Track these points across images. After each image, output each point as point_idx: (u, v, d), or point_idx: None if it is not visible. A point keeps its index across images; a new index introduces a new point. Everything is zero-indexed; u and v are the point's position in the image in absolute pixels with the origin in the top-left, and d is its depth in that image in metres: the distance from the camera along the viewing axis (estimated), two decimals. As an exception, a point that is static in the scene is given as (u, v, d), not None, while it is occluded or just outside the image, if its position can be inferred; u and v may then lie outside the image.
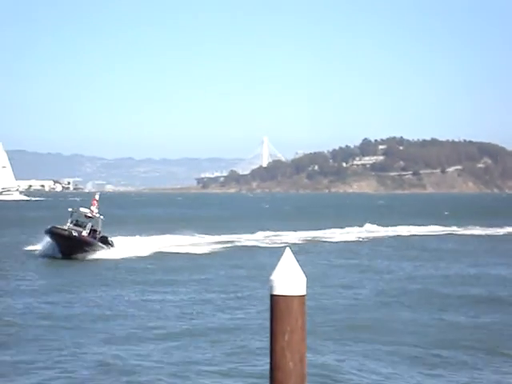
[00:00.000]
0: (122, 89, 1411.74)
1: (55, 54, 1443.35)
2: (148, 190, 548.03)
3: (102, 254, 49.57)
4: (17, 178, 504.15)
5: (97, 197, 53.76)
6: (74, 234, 48.84)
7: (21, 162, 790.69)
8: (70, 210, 52.94)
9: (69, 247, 48.68)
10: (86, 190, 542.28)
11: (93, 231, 50.54)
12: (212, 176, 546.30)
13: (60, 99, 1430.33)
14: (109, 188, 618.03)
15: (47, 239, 50.83)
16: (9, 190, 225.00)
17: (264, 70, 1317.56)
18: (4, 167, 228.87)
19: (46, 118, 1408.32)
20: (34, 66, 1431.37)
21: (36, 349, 22.03)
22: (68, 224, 50.71)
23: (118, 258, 48.62)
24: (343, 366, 20.78)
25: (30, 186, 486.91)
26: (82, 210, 52.18)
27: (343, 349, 22.82)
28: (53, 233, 49.21)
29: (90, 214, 51.41)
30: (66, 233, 48.79)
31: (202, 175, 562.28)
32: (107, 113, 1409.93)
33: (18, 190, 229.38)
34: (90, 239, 49.89)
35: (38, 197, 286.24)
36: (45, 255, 49.68)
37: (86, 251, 48.83)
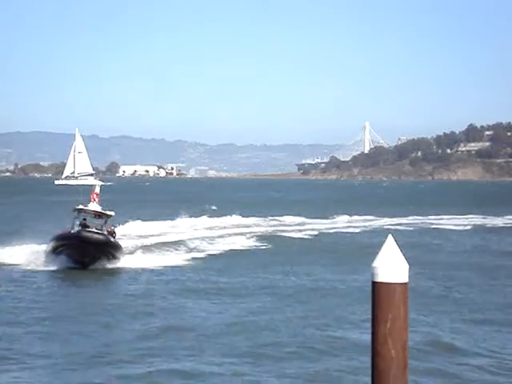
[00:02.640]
0: (224, 76, 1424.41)
1: (156, 42, 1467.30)
2: (249, 175, 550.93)
3: (126, 261, 39.45)
4: (122, 163, 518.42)
5: (97, 189, 42.19)
6: (110, 238, 39.25)
7: (126, 147, 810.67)
8: (77, 207, 41.34)
9: (95, 255, 38.10)
10: (189, 176, 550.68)
11: (110, 233, 40.42)
12: (313, 162, 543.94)
13: (163, 86, 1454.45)
14: (211, 174, 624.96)
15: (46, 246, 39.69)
16: (84, 175, 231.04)
17: (366, 55, 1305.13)
18: (80, 152, 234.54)
19: (150, 104, 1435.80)
20: (135, 55, 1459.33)
21: None
22: (76, 225, 40.06)
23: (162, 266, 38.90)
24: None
25: (135, 171, 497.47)
26: (92, 206, 41.10)
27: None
28: (83, 239, 37.56)
29: (107, 212, 41.35)
30: (103, 238, 38.44)
31: (303, 161, 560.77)
32: (209, 99, 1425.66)
33: (93, 174, 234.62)
34: (120, 243, 40.31)
35: (147, 181, 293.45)
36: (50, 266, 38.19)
37: (109, 258, 38.65)
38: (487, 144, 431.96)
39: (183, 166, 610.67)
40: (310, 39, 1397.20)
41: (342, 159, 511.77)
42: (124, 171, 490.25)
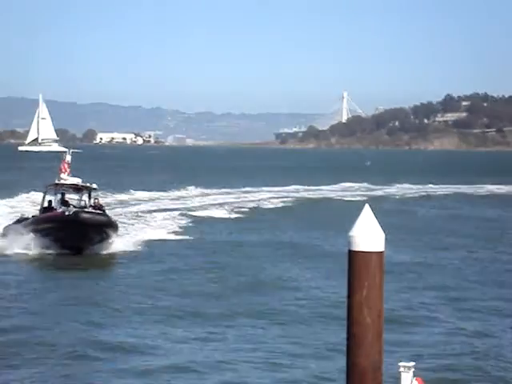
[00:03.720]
0: (202, 44, 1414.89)
1: (139, 8, 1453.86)
2: (227, 144, 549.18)
3: (120, 243, 34.63)
4: (99, 131, 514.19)
5: (68, 158, 36.84)
6: (111, 219, 34.71)
7: (103, 114, 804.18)
8: (56, 182, 36.43)
9: (93, 239, 33.28)
10: (167, 144, 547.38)
11: (100, 208, 35.03)
12: (290, 131, 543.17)
13: (141, 53, 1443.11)
14: (189, 142, 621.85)
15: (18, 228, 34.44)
16: (48, 141, 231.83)
17: (345, 24, 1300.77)
18: (43, 119, 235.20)
19: (127, 71, 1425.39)
20: (118, 22, 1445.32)
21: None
22: (57, 203, 35.87)
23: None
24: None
25: (113, 138, 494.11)
26: (71, 179, 36.40)
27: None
28: (83, 221, 32.52)
29: (89, 185, 36.38)
30: (105, 219, 33.71)
31: (281, 130, 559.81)
32: (187, 66, 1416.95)
33: (57, 141, 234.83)
34: (117, 222, 35.79)
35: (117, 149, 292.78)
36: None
37: (104, 239, 33.76)
38: (464, 114, 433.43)
39: (161, 134, 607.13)
40: (290, 7, 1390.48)
41: (319, 128, 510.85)
42: (101, 138, 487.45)
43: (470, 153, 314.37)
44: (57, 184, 36.23)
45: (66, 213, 33.50)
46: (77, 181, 36.38)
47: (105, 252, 33.52)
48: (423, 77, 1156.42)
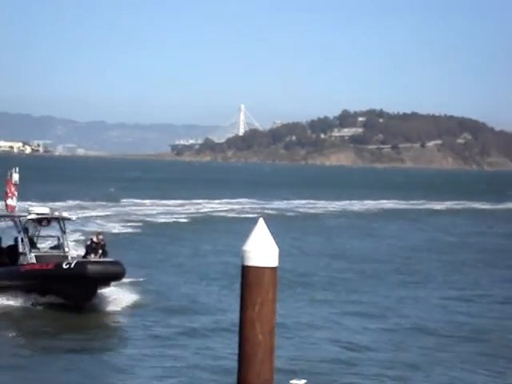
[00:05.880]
0: (95, 51, 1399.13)
1: (28, 11, 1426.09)
2: (120, 155, 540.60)
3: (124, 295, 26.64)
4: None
5: (15, 178, 27.63)
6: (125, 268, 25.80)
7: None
8: (11, 214, 27.46)
9: (96, 294, 25.41)
10: (57, 153, 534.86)
11: (103, 248, 26.59)
12: (187, 143, 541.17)
13: (31, 58, 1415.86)
14: (80, 152, 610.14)
15: None
16: None
17: (243, 37, 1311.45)
18: None
19: (16, 77, 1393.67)
20: (4, 23, 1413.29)
21: None
22: (25, 245, 26.36)
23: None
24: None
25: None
26: (39, 209, 27.83)
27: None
28: (93, 276, 24.60)
29: (62, 214, 28.28)
30: (121, 270, 25.28)
31: (177, 142, 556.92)
32: (78, 74, 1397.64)
33: None
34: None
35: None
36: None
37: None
38: (360, 130, 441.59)
39: (50, 143, 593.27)
40: (190, 16, 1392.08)
41: (216, 141, 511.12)
42: None
43: (365, 169, 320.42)
44: (18, 216, 26.90)
45: (65, 265, 24.87)
46: (46, 210, 27.66)
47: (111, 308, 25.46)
48: (320, 91, 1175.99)
